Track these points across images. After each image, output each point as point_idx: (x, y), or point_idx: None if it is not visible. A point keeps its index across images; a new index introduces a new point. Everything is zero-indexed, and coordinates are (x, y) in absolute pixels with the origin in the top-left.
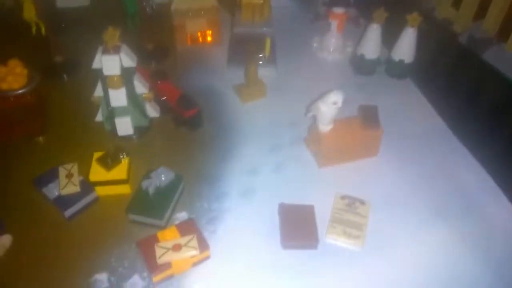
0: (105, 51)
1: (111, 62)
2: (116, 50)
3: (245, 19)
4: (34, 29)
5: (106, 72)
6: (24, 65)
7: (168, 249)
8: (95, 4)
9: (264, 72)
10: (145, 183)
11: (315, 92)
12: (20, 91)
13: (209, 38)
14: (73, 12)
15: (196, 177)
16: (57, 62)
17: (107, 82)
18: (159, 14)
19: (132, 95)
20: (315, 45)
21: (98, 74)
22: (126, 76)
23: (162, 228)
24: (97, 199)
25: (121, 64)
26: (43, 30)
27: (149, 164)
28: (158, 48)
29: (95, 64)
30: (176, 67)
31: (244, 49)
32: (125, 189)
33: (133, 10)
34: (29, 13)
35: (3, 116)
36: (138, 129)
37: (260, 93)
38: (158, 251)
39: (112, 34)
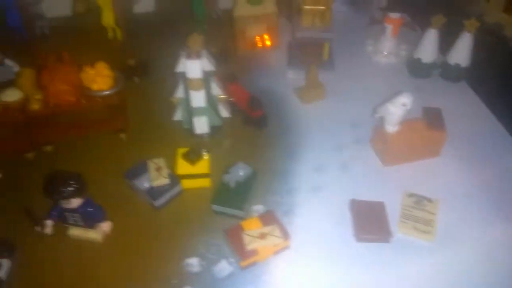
0: (189, 56)
1: (194, 66)
2: (198, 55)
3: (305, 24)
4: (110, 34)
5: (189, 75)
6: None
7: (255, 237)
8: (162, 10)
9: (323, 75)
10: (226, 177)
11: (373, 93)
12: (108, 92)
13: (267, 43)
14: (140, 17)
15: (266, 172)
16: (130, 65)
17: (189, 84)
18: (222, 20)
19: (209, 96)
20: (369, 48)
21: (179, 76)
22: (206, 79)
23: (242, 218)
24: (181, 191)
25: (202, 68)
26: (119, 34)
27: (222, 159)
28: (221, 52)
29: (179, 68)
30: (237, 70)
31: (303, 52)
32: (206, 183)
33: (202, 16)
34: (108, 19)
35: (91, 114)
36: (212, 128)
37: (320, 95)
38: (246, 239)
39: (196, 39)
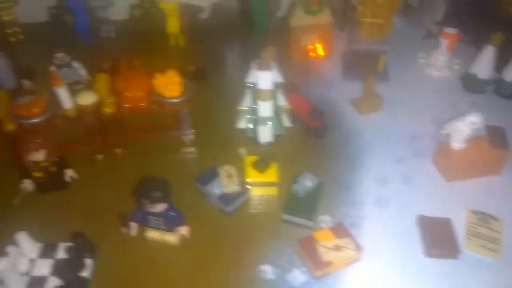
0: (260, 67)
1: (265, 78)
2: (269, 67)
3: (363, 36)
4: (172, 41)
5: (260, 86)
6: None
7: (329, 249)
8: (217, 17)
9: (377, 86)
10: (295, 187)
11: (429, 107)
12: (179, 99)
13: (321, 52)
14: (195, 24)
15: (329, 183)
16: (190, 71)
17: (258, 95)
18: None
19: (274, 106)
20: (421, 60)
21: (248, 86)
22: (274, 89)
23: (311, 228)
24: (250, 198)
25: (273, 79)
26: (181, 41)
27: (285, 168)
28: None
29: (249, 78)
30: (292, 79)
31: (358, 64)
32: (272, 190)
33: (262, 25)
34: (173, 27)
35: (158, 120)
36: (275, 137)
37: (377, 106)
38: (321, 250)
39: (269, 52)
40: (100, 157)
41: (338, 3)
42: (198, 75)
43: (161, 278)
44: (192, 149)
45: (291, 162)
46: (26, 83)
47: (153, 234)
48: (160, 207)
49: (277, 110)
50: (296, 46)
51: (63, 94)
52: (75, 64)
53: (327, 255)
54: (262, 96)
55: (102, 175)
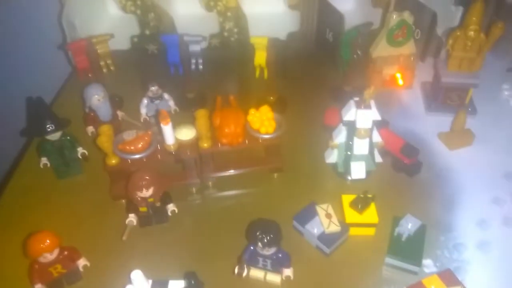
0: (360, 105)
1: (365, 117)
2: (369, 106)
3: (451, 69)
4: (257, 73)
5: (359, 125)
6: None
7: None
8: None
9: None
10: (398, 230)
11: None
12: (273, 135)
13: (401, 83)
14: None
15: (428, 224)
16: (270, 101)
17: (356, 133)
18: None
19: (370, 144)
20: (505, 93)
21: (344, 124)
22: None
23: (415, 273)
24: (347, 238)
25: (372, 118)
26: (265, 74)
27: (382, 207)
28: (355, 91)
29: (348, 117)
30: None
31: (444, 96)
32: (370, 231)
33: (348, 56)
34: (260, 59)
35: (251, 154)
36: (366, 173)
37: (467, 141)
38: None
39: (371, 92)
40: (194, 189)
41: (420, 34)
42: (278, 105)
43: None
44: (277, 182)
45: (386, 201)
46: (120, 114)
47: (257, 274)
48: (272, 250)
49: (371, 146)
50: (377, 76)
51: (168, 131)
52: (166, 96)
53: None
54: (361, 134)
55: (197, 208)
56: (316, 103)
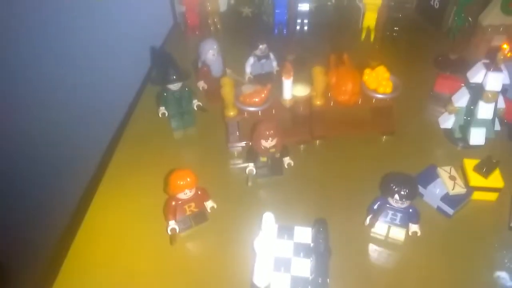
0: (489, 68)
1: (495, 80)
2: (499, 69)
3: None
4: (363, 35)
5: (488, 87)
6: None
7: None
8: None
9: None
10: None
11: None
12: (389, 95)
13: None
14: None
15: None
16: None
17: (483, 96)
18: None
19: (495, 109)
20: None
21: (469, 87)
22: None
23: None
24: (468, 202)
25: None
26: (372, 36)
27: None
28: (460, 59)
29: (476, 79)
30: None
31: None
32: (493, 196)
33: (462, 23)
34: (370, 21)
35: (358, 116)
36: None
37: None
38: None
39: (503, 54)
40: (301, 146)
41: None
42: None
43: (387, 275)
44: (386, 146)
45: (501, 169)
46: (228, 71)
47: (380, 229)
48: (406, 204)
49: (494, 113)
50: (484, 45)
51: (287, 86)
52: (271, 56)
53: None
54: (488, 98)
55: (306, 164)
56: (419, 70)
